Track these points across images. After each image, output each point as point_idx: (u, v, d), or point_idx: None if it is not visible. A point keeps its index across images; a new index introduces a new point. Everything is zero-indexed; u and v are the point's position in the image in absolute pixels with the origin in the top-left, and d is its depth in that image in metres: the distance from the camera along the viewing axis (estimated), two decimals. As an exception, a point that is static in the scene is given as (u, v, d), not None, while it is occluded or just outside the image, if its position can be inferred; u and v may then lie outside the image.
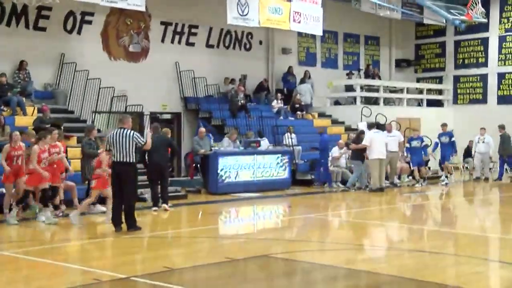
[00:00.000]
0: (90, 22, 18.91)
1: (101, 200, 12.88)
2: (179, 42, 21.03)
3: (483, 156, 20.66)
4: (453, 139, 20.03)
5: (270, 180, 17.76)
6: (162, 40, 20.57)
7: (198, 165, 17.03)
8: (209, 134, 17.93)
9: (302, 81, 23.44)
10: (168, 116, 21.16)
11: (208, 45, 21.79)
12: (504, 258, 9.39)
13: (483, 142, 20.58)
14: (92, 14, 18.76)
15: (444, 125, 20.42)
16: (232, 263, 8.77)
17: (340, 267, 8.65)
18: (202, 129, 17.38)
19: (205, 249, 10.11)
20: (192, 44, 21.32)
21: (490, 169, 21.47)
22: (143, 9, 15.92)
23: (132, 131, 10.86)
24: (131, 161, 10.72)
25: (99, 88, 18.30)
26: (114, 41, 19.50)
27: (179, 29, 20.95)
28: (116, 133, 10.78)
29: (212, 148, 17.14)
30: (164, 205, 13.44)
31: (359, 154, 17.81)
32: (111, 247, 10.31)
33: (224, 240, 11.17)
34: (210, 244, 10.68)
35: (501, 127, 21.16)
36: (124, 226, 10.82)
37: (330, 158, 18.57)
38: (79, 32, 18.73)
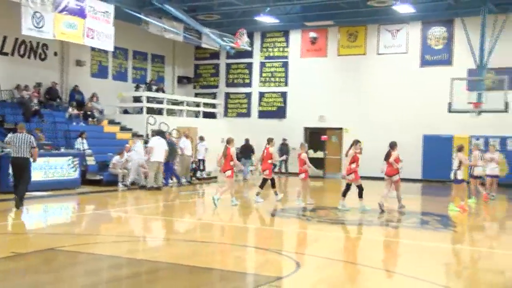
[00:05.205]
0: None
1: None
2: (-28, 47, 18.92)
3: (135, 163, 18.34)
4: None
5: (61, 180, 16.75)
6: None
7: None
8: None
9: (91, 99, 22.48)
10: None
11: (2, 53, 19.88)
12: (258, 244, 9.89)
13: (135, 150, 18.44)
14: None
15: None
16: (18, 257, 8.00)
17: (122, 257, 8.35)
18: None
19: (-9, 246, 9.07)
20: (-14, 51, 19.32)
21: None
22: None
23: (30, 135, 12.57)
24: (27, 156, 12.39)
25: None
26: None
27: (-28, 35, 18.87)
28: (17, 136, 12.35)
29: (4, 150, 15.63)
30: None
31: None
32: None
33: (11, 236, 10.15)
34: (-4, 240, 9.63)
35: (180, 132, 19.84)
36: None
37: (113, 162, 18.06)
38: None
